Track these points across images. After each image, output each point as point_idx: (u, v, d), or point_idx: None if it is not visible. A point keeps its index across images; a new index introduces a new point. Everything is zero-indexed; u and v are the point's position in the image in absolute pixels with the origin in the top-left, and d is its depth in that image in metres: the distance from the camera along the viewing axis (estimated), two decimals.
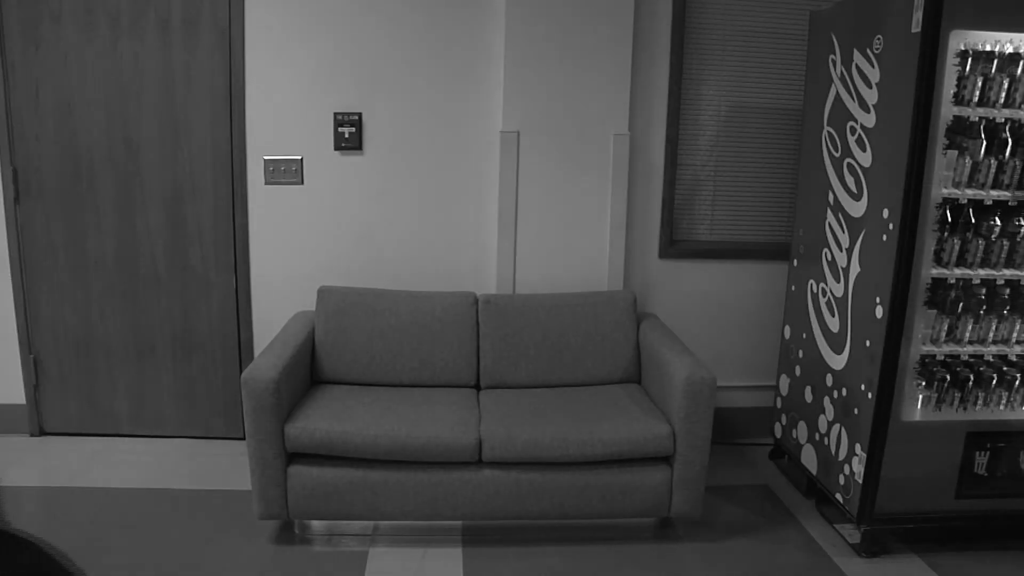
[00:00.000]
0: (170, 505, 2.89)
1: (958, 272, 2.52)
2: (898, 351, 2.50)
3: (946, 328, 2.59)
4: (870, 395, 2.57)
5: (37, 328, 3.35)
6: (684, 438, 2.60)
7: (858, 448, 2.63)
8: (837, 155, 2.80)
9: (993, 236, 2.54)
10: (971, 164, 2.46)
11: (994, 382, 2.61)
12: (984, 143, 2.46)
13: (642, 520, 2.78)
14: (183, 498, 2.94)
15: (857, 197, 2.67)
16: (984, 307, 2.60)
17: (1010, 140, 2.48)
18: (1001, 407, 2.64)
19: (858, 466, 2.62)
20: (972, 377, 2.60)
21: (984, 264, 2.55)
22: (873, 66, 2.56)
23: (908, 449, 2.58)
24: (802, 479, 3.10)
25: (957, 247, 2.52)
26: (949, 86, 2.37)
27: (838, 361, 2.78)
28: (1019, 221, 2.55)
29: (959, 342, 2.61)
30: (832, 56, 2.83)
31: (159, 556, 2.55)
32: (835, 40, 2.81)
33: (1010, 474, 2.64)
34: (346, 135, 3.22)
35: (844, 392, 2.73)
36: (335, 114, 3.21)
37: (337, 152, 3.25)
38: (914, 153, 2.38)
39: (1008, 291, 2.60)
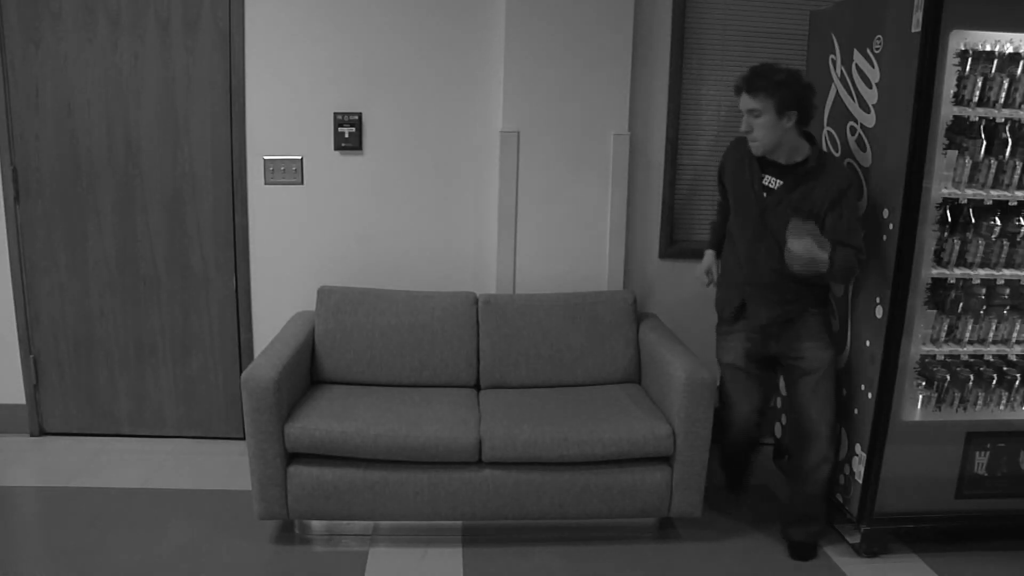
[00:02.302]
0: (170, 505, 2.89)
1: (958, 272, 2.52)
2: (898, 351, 2.50)
3: (946, 328, 2.59)
4: (870, 395, 2.57)
5: (37, 328, 3.35)
6: (684, 438, 2.59)
7: (858, 448, 2.63)
8: (837, 155, 2.80)
9: (993, 236, 2.54)
10: (971, 164, 2.46)
11: (994, 382, 2.61)
12: (984, 143, 2.46)
13: (642, 520, 2.78)
14: (183, 498, 2.94)
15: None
16: (984, 307, 2.60)
17: (1010, 140, 2.48)
18: (1001, 407, 2.64)
19: (858, 466, 2.62)
20: (972, 377, 2.60)
21: (984, 264, 2.55)
22: (873, 66, 2.56)
23: (908, 449, 2.58)
24: None
25: (957, 247, 2.52)
26: (949, 86, 2.37)
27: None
28: (1019, 221, 2.55)
29: (959, 342, 2.60)
30: (832, 56, 2.82)
31: (159, 556, 2.55)
32: (835, 40, 2.81)
33: (1010, 474, 2.64)
34: (346, 135, 3.22)
35: (844, 392, 2.73)
36: (335, 114, 3.21)
37: (337, 152, 3.25)
38: (914, 153, 2.38)
39: (1008, 291, 2.60)
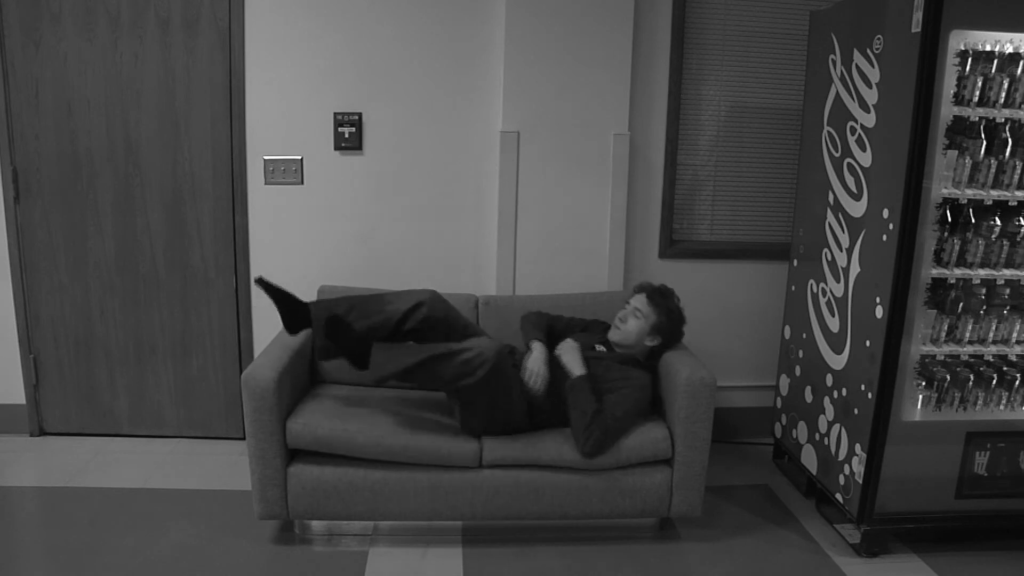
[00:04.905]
0: (170, 505, 2.89)
1: (958, 272, 2.52)
2: (898, 351, 2.50)
3: (946, 328, 2.59)
4: (870, 395, 2.57)
5: (37, 328, 3.35)
6: (684, 439, 2.59)
7: (858, 448, 2.63)
8: (837, 155, 2.80)
9: (993, 236, 2.54)
10: (971, 164, 2.46)
11: (994, 382, 2.61)
12: (984, 143, 2.46)
13: (642, 520, 2.78)
14: (183, 498, 2.94)
15: (857, 197, 2.67)
16: (984, 307, 2.60)
17: (1010, 140, 2.48)
18: (1001, 407, 2.64)
19: (858, 466, 2.62)
20: (972, 377, 2.60)
21: (984, 264, 2.55)
22: (873, 66, 2.56)
23: (908, 449, 2.58)
24: (802, 479, 3.10)
25: (957, 247, 2.52)
26: (949, 86, 2.37)
27: (838, 361, 2.78)
28: (1019, 221, 2.55)
29: (959, 342, 2.61)
30: (832, 56, 2.83)
31: (159, 556, 2.55)
32: (835, 40, 2.81)
33: (1010, 474, 2.64)
34: (346, 135, 3.22)
35: (844, 392, 2.73)
36: (335, 114, 3.21)
37: (337, 152, 3.25)
38: (914, 153, 2.38)
39: (1008, 291, 2.60)
